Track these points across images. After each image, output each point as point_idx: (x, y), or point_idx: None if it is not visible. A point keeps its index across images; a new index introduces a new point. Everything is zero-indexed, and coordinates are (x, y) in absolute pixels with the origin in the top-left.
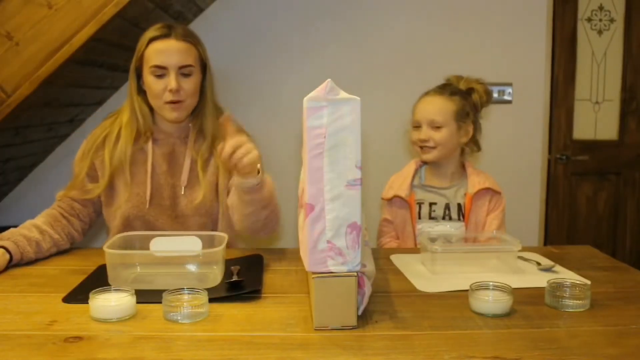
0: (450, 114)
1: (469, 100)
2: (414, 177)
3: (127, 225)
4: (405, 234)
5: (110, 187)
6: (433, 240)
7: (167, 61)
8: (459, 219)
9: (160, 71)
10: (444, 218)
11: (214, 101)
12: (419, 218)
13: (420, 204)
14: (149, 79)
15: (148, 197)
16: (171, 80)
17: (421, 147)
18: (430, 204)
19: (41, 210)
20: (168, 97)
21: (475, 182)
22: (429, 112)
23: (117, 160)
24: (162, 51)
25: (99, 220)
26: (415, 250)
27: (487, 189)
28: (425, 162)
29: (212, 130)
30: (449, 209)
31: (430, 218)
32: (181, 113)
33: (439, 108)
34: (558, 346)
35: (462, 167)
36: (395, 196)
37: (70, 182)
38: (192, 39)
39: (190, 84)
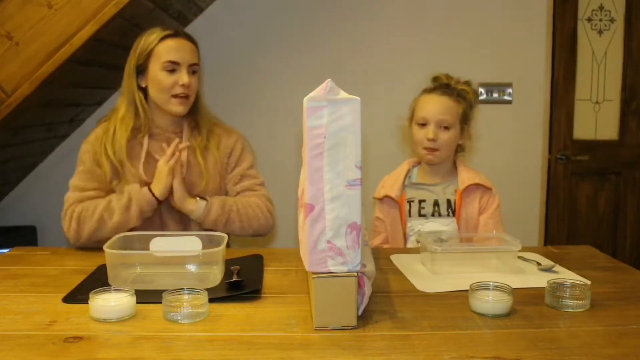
0: (457, 115)
1: (467, 102)
2: (405, 177)
3: None
4: (395, 234)
5: (119, 179)
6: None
7: (181, 57)
8: (449, 215)
9: (173, 66)
10: (432, 215)
11: (204, 100)
12: (409, 216)
13: (410, 202)
14: (159, 74)
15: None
16: (183, 76)
17: (426, 148)
18: (420, 201)
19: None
20: (178, 90)
21: (465, 178)
22: (439, 111)
23: (118, 156)
24: (176, 48)
25: None
26: (415, 250)
27: (478, 186)
28: (418, 162)
29: (207, 125)
30: (437, 205)
31: (420, 215)
32: (186, 107)
33: (449, 109)
34: (558, 346)
35: (454, 165)
36: (386, 196)
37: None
38: (195, 41)
39: (195, 82)
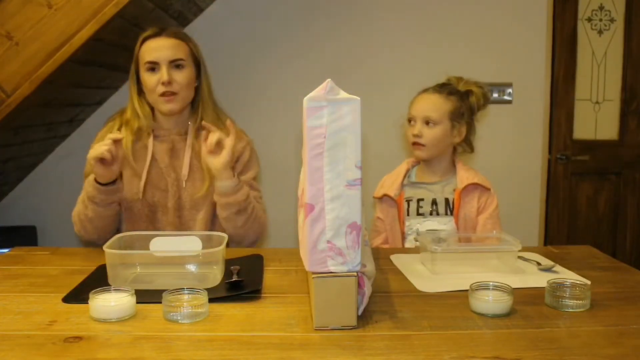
0: (445, 112)
1: (465, 101)
2: (404, 176)
3: (132, 216)
4: (394, 233)
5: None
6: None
7: (158, 56)
8: (447, 214)
9: (153, 66)
10: (431, 214)
11: (213, 99)
12: (407, 215)
13: (408, 201)
14: (144, 76)
15: (141, 188)
16: (163, 74)
17: (413, 144)
18: (418, 200)
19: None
20: (161, 89)
21: (463, 177)
22: (425, 108)
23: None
24: (153, 48)
25: None
26: (415, 250)
27: (476, 185)
28: (417, 162)
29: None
30: (435, 204)
31: (418, 214)
32: (174, 105)
33: (435, 106)
34: (558, 346)
35: (453, 164)
36: (385, 195)
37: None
38: (182, 36)
39: (182, 76)
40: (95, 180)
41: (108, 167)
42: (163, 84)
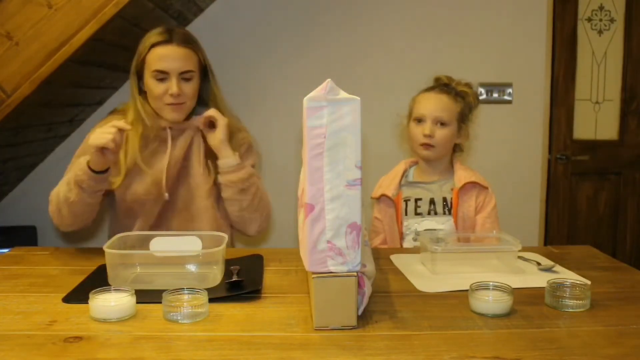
0: (455, 114)
1: (465, 102)
2: (402, 176)
3: (145, 212)
4: (392, 233)
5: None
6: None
7: (168, 67)
8: (444, 214)
9: (162, 75)
10: (429, 213)
11: (224, 104)
12: (406, 214)
13: (406, 201)
14: (150, 82)
15: (164, 186)
16: (172, 85)
17: (422, 144)
18: (416, 200)
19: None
20: (169, 100)
21: (461, 176)
22: (436, 108)
23: (130, 160)
24: (164, 57)
25: (97, 218)
26: (414, 250)
27: (474, 184)
28: (415, 162)
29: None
30: (433, 204)
31: (416, 214)
32: (180, 114)
33: (446, 106)
34: (558, 346)
35: (451, 164)
36: (383, 195)
37: None
38: (192, 45)
39: (190, 88)
40: (88, 166)
41: (106, 156)
42: (172, 95)
